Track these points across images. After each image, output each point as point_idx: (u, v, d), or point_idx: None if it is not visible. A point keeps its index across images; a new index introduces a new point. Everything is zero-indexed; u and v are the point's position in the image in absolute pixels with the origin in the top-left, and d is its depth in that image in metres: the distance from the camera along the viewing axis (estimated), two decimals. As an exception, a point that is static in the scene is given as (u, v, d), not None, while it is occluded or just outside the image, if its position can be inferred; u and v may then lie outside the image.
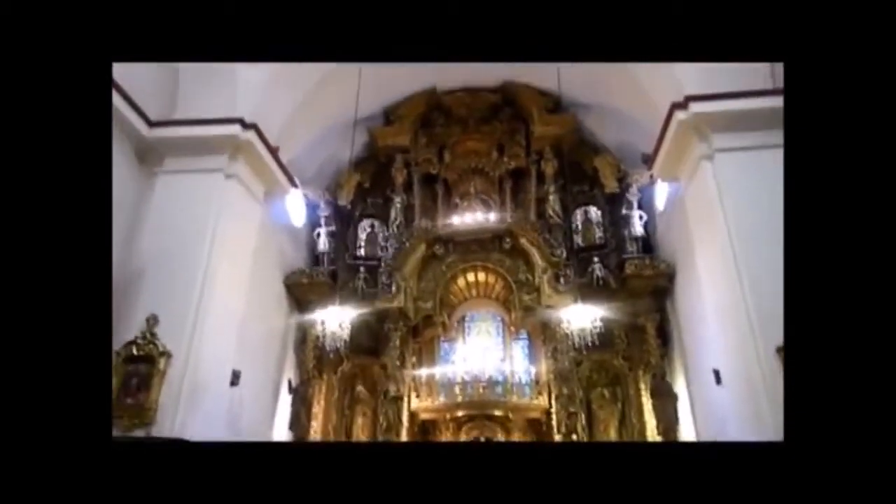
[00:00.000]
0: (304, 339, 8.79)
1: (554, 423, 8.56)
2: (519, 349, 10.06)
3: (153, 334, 6.09)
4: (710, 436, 7.37)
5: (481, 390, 8.99)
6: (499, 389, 9.12)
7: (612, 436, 8.59)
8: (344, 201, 9.85)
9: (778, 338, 5.84)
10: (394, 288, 8.85)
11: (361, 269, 9.24)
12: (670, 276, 8.40)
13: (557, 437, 8.36)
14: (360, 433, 8.90)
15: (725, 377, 6.60)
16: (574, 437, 8.16)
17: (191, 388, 6.16)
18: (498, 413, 9.07)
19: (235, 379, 6.96)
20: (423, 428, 9.33)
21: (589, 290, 8.36)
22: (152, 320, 6.14)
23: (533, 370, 9.36)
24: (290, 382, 8.46)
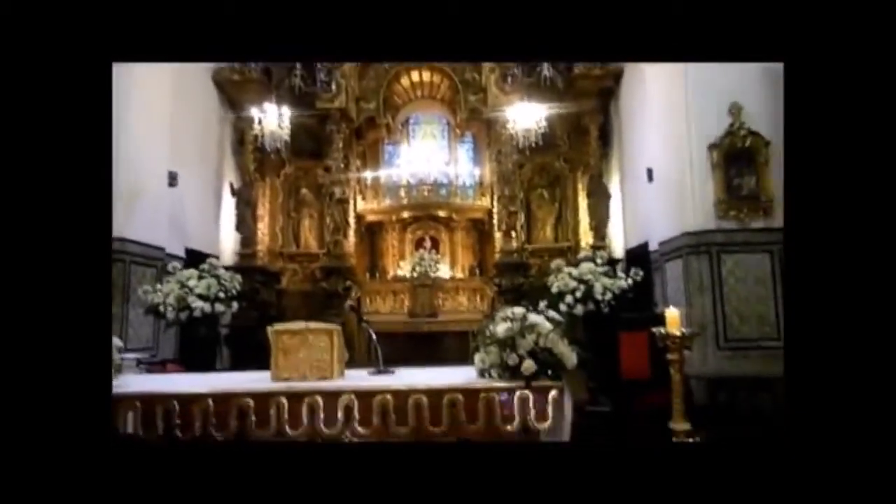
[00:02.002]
0: (242, 140, 8.44)
1: (495, 222, 9.04)
2: (464, 152, 10.10)
3: (73, 132, 5.64)
4: (636, 232, 8.02)
5: (426, 192, 9.20)
6: (443, 192, 9.37)
7: (549, 234, 9.23)
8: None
9: (712, 135, 6.18)
10: (333, 87, 8.39)
11: (297, 65, 8.57)
12: (617, 77, 8.28)
13: (497, 235, 8.90)
14: (308, 235, 9.10)
15: (658, 175, 6.97)
16: (513, 233, 8.72)
17: (127, 189, 5.97)
18: (442, 214, 9.44)
19: (173, 180, 6.75)
20: (370, 229, 9.66)
21: (536, 90, 8.20)
22: (68, 117, 5.63)
23: (477, 172, 9.54)
24: (231, 185, 8.31)
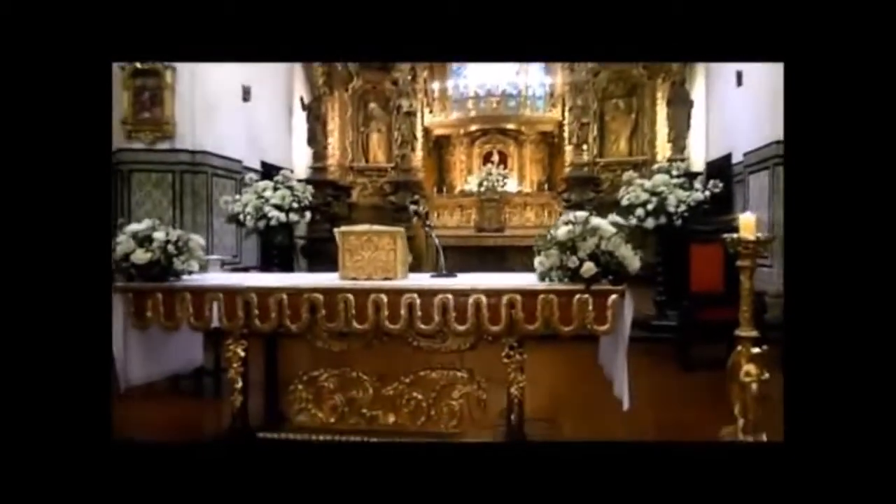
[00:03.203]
0: (310, 54, 8.42)
1: (566, 135, 8.69)
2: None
3: (151, 47, 5.84)
4: (719, 142, 7.48)
5: (494, 105, 8.93)
6: (512, 103, 9.06)
7: (623, 147, 8.79)
8: None
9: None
10: (399, -7, 8.09)
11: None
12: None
13: (568, 149, 8.59)
14: (377, 149, 9.17)
15: (748, 79, 6.38)
16: (585, 147, 8.38)
17: (203, 102, 6.20)
18: (510, 127, 9.18)
19: (247, 95, 6.92)
20: (438, 144, 9.59)
21: (615, -11, 7.53)
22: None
23: (548, 82, 9.10)
24: (301, 100, 8.41)
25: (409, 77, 8.58)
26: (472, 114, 8.99)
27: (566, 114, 8.67)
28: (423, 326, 2.51)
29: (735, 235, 2.24)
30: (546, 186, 9.07)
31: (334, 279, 2.72)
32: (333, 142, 8.82)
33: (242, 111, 6.99)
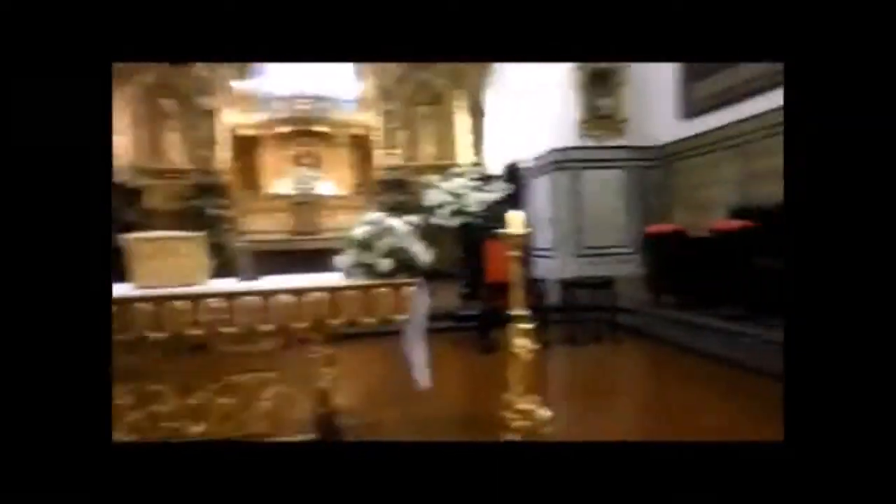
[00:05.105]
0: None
1: (377, 139, 9.01)
2: (344, 64, 9.75)
3: None
4: (510, 149, 8.40)
5: (304, 106, 8.87)
6: (323, 105, 9.08)
7: (431, 151, 9.39)
8: None
9: (575, 56, 6.59)
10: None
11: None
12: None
13: (379, 153, 8.91)
14: (173, 150, 8.50)
15: (528, 95, 7.30)
16: (395, 151, 8.79)
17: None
18: (322, 129, 9.20)
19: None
20: (245, 144, 9.20)
21: None
22: None
23: (359, 87, 9.32)
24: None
25: (208, 74, 8.12)
26: (281, 115, 8.81)
27: (376, 118, 8.97)
28: (227, 331, 2.51)
29: (504, 230, 2.66)
30: (362, 189, 9.27)
31: (128, 289, 2.57)
32: (122, 141, 7.96)
33: None
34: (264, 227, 8.45)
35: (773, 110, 5.26)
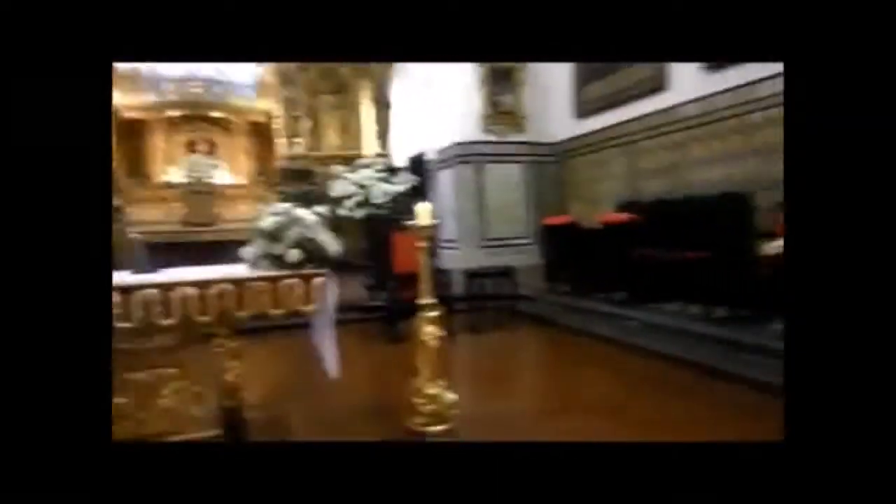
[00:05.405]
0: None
1: (278, 127, 8.72)
2: (241, 48, 9.32)
3: None
4: (416, 141, 8.49)
5: (196, 89, 8.38)
6: (217, 90, 8.63)
7: (335, 141, 9.25)
8: None
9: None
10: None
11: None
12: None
13: (281, 141, 8.64)
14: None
15: (433, 88, 7.42)
16: (298, 140, 8.56)
17: None
18: (217, 115, 8.75)
19: None
20: (130, 128, 8.53)
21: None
22: None
23: (258, 71, 8.95)
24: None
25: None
26: (171, 97, 8.27)
27: (277, 106, 8.69)
28: (124, 325, 2.38)
29: (413, 222, 2.74)
30: (261, 178, 8.94)
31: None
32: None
33: None
34: (155, 217, 7.90)
35: (655, 112, 5.77)
